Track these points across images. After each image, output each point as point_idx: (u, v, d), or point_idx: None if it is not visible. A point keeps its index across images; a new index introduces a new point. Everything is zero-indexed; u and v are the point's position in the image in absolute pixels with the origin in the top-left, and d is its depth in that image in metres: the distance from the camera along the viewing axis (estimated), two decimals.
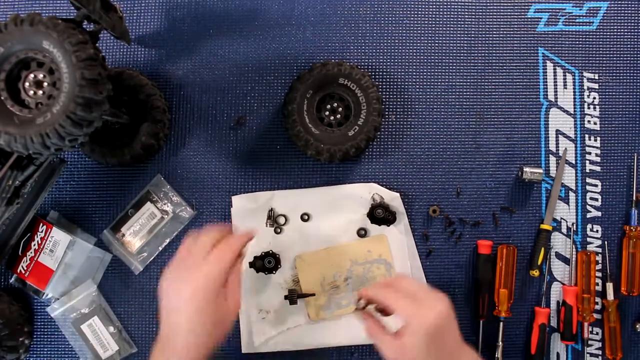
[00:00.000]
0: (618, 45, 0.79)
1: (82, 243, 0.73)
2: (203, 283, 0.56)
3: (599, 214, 0.78)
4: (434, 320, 0.55)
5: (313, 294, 0.75)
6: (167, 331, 0.58)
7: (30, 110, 0.56)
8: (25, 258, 0.74)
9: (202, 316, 0.56)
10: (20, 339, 0.73)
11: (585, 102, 0.79)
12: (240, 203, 0.76)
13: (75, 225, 0.76)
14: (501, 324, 0.75)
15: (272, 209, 0.75)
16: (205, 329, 0.56)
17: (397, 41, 0.78)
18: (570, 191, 0.78)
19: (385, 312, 0.61)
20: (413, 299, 0.57)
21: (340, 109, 0.75)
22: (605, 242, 0.77)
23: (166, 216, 0.76)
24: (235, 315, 0.59)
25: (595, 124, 0.79)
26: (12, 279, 0.75)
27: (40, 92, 0.56)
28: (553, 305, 0.77)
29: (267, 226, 0.75)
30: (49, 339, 0.76)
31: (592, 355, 0.77)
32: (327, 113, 0.75)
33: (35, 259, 0.73)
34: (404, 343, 0.55)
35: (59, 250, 0.73)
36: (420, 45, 0.79)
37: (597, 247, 0.78)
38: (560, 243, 0.78)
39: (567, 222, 0.78)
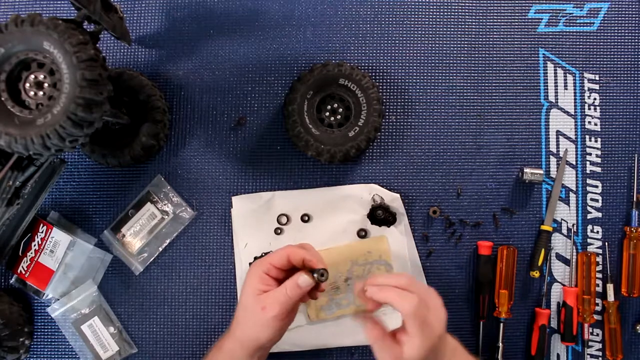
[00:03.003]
0: (619, 46, 0.79)
1: (82, 243, 0.73)
2: (248, 286, 0.61)
3: (600, 215, 0.78)
4: (439, 332, 0.56)
5: None
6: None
7: (31, 111, 0.56)
8: (25, 258, 0.74)
9: (246, 313, 0.61)
10: (21, 340, 0.73)
11: (585, 103, 0.79)
12: (240, 203, 0.76)
13: (76, 225, 0.76)
14: (501, 325, 0.75)
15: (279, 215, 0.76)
16: (248, 325, 0.61)
17: (397, 42, 0.78)
18: (570, 192, 0.78)
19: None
20: (423, 304, 0.56)
21: (341, 109, 0.75)
22: (606, 243, 0.77)
23: (166, 217, 0.76)
24: (270, 325, 0.60)
25: (595, 124, 0.79)
26: (13, 279, 0.75)
27: (41, 93, 0.56)
28: (553, 306, 0.77)
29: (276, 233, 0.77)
30: (50, 340, 0.76)
31: (592, 356, 0.77)
32: (327, 114, 0.75)
33: (35, 259, 0.73)
34: (405, 352, 0.55)
35: (59, 250, 0.73)
36: (421, 46, 0.79)
37: (597, 248, 0.78)
38: (560, 244, 0.78)
39: (567, 223, 0.78)
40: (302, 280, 0.59)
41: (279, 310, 0.59)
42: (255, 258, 0.74)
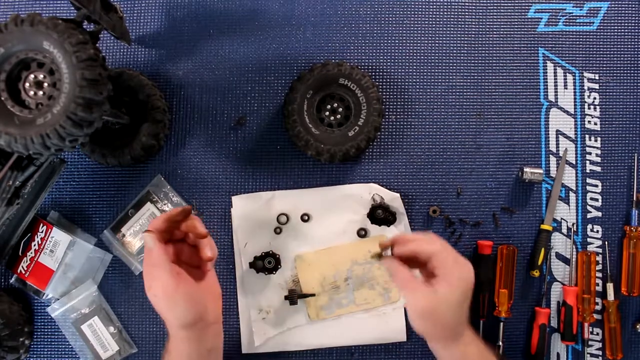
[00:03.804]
0: (618, 46, 0.79)
1: (82, 243, 0.73)
2: (157, 276, 0.56)
3: (599, 214, 0.78)
4: (471, 277, 0.57)
5: (313, 294, 0.75)
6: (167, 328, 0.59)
7: (31, 110, 0.56)
8: (25, 258, 0.74)
9: (176, 301, 0.56)
10: (21, 339, 0.73)
11: (585, 102, 0.79)
12: (240, 203, 0.76)
13: (76, 225, 0.76)
14: (501, 324, 0.75)
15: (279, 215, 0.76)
16: (186, 310, 0.56)
17: (397, 41, 0.78)
18: (570, 191, 0.78)
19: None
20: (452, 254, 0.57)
21: (341, 109, 0.75)
22: (606, 243, 0.77)
23: None
24: (212, 286, 0.58)
25: (595, 124, 0.79)
26: (13, 279, 0.75)
27: (41, 92, 0.56)
28: (553, 305, 0.77)
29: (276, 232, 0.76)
30: (50, 339, 0.76)
31: (592, 355, 0.77)
32: (327, 113, 0.75)
33: (35, 259, 0.73)
34: (438, 291, 0.55)
35: (59, 250, 0.73)
36: (421, 46, 0.79)
37: (597, 247, 0.78)
38: (560, 243, 0.78)
39: (567, 222, 0.78)
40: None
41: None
42: (255, 258, 0.74)
